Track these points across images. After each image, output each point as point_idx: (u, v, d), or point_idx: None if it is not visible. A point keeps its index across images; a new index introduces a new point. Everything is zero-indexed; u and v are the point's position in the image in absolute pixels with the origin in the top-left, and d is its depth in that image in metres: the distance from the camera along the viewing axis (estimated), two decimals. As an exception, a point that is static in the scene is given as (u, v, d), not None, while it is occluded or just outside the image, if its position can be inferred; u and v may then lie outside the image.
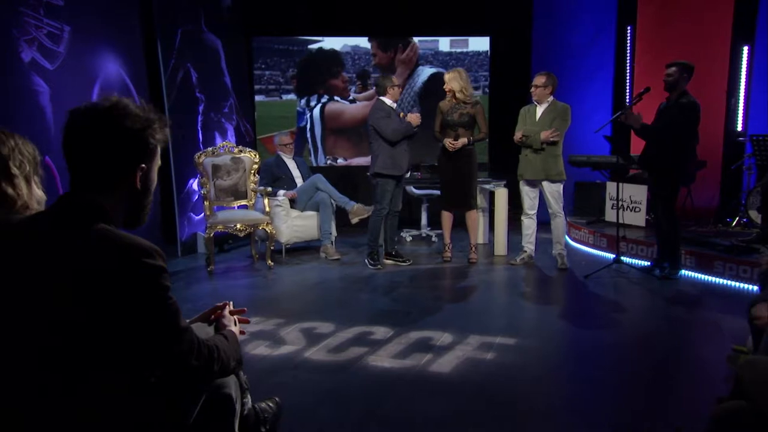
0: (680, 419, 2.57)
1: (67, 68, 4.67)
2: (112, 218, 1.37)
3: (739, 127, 6.97)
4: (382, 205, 5.52)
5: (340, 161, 8.09)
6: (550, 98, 5.39)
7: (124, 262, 1.26)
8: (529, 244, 5.64)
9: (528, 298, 4.67)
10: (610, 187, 6.63)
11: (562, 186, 5.40)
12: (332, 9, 7.73)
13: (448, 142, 5.41)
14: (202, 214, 6.54)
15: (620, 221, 5.53)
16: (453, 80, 5.39)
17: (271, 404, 2.20)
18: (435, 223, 7.11)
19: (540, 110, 5.40)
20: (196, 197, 6.47)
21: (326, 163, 8.03)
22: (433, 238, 6.91)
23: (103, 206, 1.36)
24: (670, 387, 3.01)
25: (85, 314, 1.24)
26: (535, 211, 5.56)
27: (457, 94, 5.39)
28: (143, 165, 1.42)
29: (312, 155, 8.01)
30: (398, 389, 2.95)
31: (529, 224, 5.58)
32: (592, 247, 6.29)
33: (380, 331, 3.78)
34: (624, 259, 5.34)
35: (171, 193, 6.11)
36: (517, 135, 5.41)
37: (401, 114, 5.48)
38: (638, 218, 6.35)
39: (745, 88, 6.99)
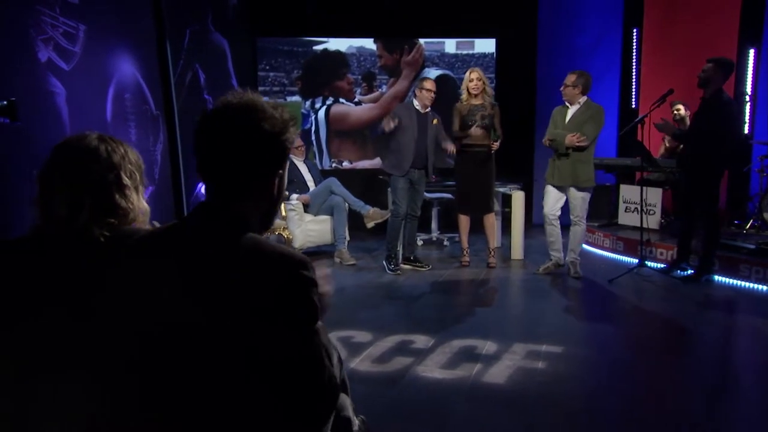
0: (758, 430, 2.52)
1: (83, 69, 4.48)
2: (252, 227, 1.27)
3: (745, 130, 7.01)
4: (398, 204, 5.42)
5: (345, 164, 7.97)
6: (583, 99, 5.13)
7: (283, 275, 1.16)
8: (555, 252, 5.33)
9: (558, 303, 4.60)
10: (624, 190, 6.63)
11: (589, 194, 5.14)
12: (338, 10, 7.61)
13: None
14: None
15: (634, 224, 5.59)
16: (483, 77, 5.37)
17: (357, 421, 2.09)
18: (445, 226, 7.06)
19: (571, 112, 5.16)
20: (205, 201, 6.30)
21: (331, 166, 7.90)
22: (445, 242, 6.83)
23: (245, 215, 1.25)
24: (739, 396, 2.96)
25: (239, 330, 1.14)
26: (557, 216, 5.27)
27: (487, 89, 5.36)
28: (280, 170, 1.31)
29: (317, 158, 7.88)
30: (458, 402, 2.85)
31: (551, 231, 5.29)
32: (609, 251, 6.25)
33: (420, 340, 3.69)
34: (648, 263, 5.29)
35: (180, 198, 5.93)
36: (546, 138, 5.24)
37: (435, 120, 5.43)
38: (653, 221, 6.34)
39: (751, 91, 7.03)
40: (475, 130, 5.37)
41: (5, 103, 3.62)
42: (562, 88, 5.19)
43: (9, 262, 1.43)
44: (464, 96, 5.46)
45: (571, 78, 5.12)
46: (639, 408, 2.80)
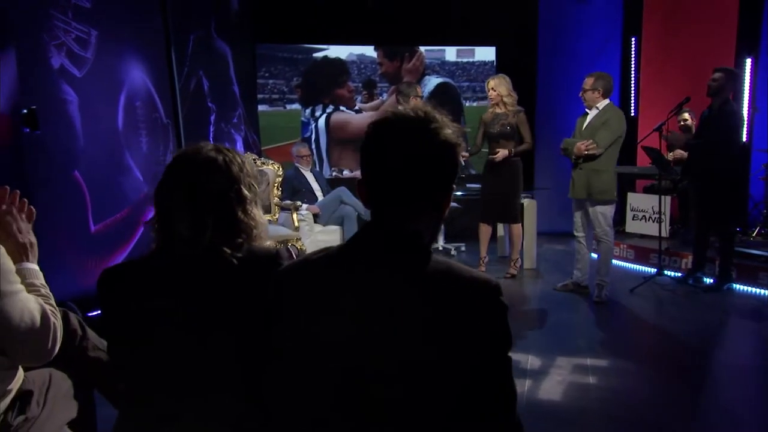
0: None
1: (95, 76, 4.29)
2: (428, 246, 1.16)
3: (743, 138, 7.08)
4: None
5: (346, 173, 7.84)
6: (603, 103, 4.70)
7: (483, 301, 1.07)
8: (577, 270, 5.00)
9: (586, 314, 4.54)
10: (632, 198, 6.64)
11: (609, 207, 4.72)
12: (338, 17, 7.49)
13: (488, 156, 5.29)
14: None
15: (642, 233, 5.67)
16: (500, 85, 5.19)
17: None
18: (453, 236, 6.99)
19: (589, 118, 4.78)
20: (209, 212, 6.12)
21: (331, 174, 7.76)
22: (452, 252, 6.74)
23: (421, 234, 1.14)
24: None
25: (438, 363, 1.04)
26: (584, 234, 4.88)
27: (505, 98, 5.18)
28: (454, 184, 1.20)
29: (317, 167, 7.73)
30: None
31: (577, 248, 4.92)
32: (619, 259, 6.23)
33: (460, 355, 3.58)
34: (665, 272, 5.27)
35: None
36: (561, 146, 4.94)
37: None
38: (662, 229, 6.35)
39: (748, 100, 7.12)
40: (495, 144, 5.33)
41: (25, 111, 3.45)
42: (581, 93, 4.81)
43: (142, 283, 1.31)
44: (492, 103, 5.38)
45: (588, 81, 4.76)
46: (706, 423, 2.74)
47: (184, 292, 1.28)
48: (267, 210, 5.63)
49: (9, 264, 1.41)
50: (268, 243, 1.41)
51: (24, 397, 1.52)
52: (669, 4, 7.57)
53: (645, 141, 5.28)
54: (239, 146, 6.79)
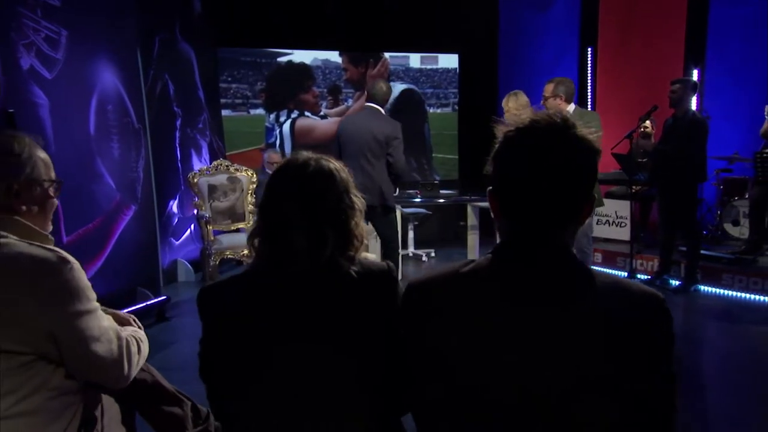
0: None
1: (66, 77, 4.06)
2: None
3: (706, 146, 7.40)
4: (397, 238, 4.85)
5: (311, 179, 7.73)
6: (570, 107, 4.43)
7: (654, 314, 1.05)
8: None
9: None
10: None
11: (592, 217, 4.63)
12: (303, 21, 7.41)
13: None
14: (182, 238, 5.99)
15: (606, 237, 5.87)
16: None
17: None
18: (422, 243, 7.01)
19: None
20: (176, 220, 5.90)
21: (296, 181, 7.63)
22: (423, 258, 6.76)
23: (568, 245, 1.10)
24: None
25: (610, 378, 1.00)
26: None
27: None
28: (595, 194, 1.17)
29: (281, 173, 7.61)
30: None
31: None
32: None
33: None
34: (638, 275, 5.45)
35: (153, 216, 5.50)
36: None
37: None
38: (623, 233, 6.57)
39: (696, 109, 7.48)
40: None
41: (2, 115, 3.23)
42: (542, 102, 4.48)
43: (253, 302, 1.22)
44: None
45: (548, 88, 4.47)
46: (706, 423, 2.83)
47: (305, 309, 1.20)
48: (241, 218, 5.49)
49: (85, 279, 1.30)
50: (373, 256, 1.35)
51: (89, 423, 1.41)
52: (622, 16, 7.85)
53: (614, 148, 5.44)
54: (205, 152, 6.59)
